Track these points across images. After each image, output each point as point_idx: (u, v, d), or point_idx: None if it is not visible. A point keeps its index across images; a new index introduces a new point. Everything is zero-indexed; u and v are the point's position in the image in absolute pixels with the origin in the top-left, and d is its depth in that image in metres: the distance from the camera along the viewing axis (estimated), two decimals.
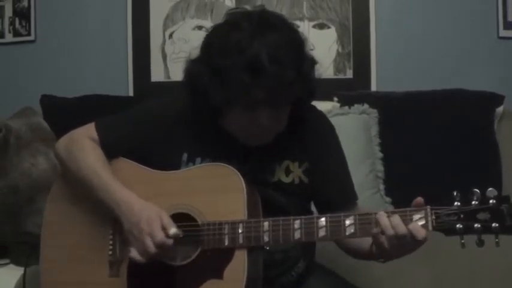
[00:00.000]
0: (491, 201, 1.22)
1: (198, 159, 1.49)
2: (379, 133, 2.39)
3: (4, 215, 2.02)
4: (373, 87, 2.75)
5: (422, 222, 1.26)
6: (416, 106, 2.42)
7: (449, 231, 1.24)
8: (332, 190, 1.55)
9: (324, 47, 2.74)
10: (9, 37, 2.91)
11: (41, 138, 2.16)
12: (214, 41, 1.38)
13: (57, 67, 2.87)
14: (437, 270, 1.92)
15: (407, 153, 2.36)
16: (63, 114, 2.43)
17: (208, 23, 2.78)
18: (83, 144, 1.52)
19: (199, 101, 1.41)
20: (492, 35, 2.71)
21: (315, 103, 1.57)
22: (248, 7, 1.47)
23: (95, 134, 1.53)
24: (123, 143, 1.52)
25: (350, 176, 1.60)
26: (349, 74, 2.77)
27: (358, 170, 2.26)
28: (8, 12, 2.90)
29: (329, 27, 2.77)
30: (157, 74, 2.84)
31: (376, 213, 1.30)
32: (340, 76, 2.77)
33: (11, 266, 1.98)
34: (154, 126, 1.51)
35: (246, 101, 1.33)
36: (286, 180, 1.51)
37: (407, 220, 1.26)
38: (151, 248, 1.34)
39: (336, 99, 2.52)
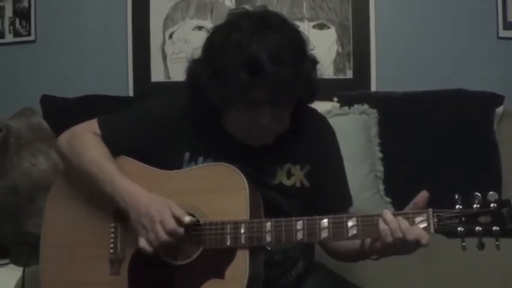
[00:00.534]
0: (492, 204, 1.22)
1: (200, 159, 1.49)
2: (379, 133, 2.40)
3: (4, 215, 2.03)
4: (373, 88, 2.75)
5: (424, 224, 1.26)
6: (416, 106, 2.43)
7: (451, 234, 1.25)
8: (330, 195, 1.55)
9: (323, 47, 2.74)
10: (9, 37, 2.91)
11: (41, 138, 2.17)
12: (215, 41, 1.38)
13: (57, 67, 2.87)
14: (435, 269, 1.93)
15: (407, 153, 2.36)
16: (63, 114, 2.43)
17: (208, 23, 2.78)
18: (86, 138, 1.52)
19: (201, 100, 1.42)
20: (492, 35, 2.71)
21: (315, 104, 1.57)
22: (248, 7, 1.47)
23: (97, 130, 1.54)
24: (125, 141, 1.53)
25: (347, 182, 1.60)
26: (349, 74, 2.77)
27: (358, 170, 2.26)
28: (8, 12, 2.90)
29: (329, 28, 2.77)
30: (157, 74, 2.84)
31: (379, 215, 1.30)
32: (340, 76, 2.77)
33: (11, 266, 1.99)
34: (156, 125, 1.51)
35: (246, 100, 1.33)
36: (288, 183, 1.51)
37: (409, 223, 1.27)
38: (163, 236, 1.34)
39: (335, 99, 2.52)
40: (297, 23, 1.46)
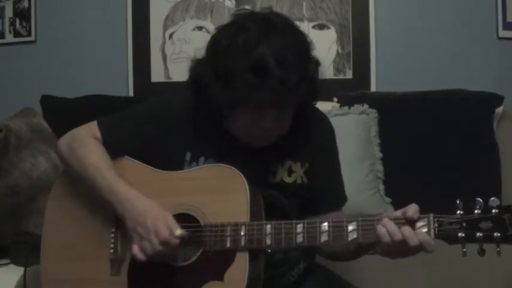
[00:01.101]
0: (493, 210, 1.22)
1: (202, 159, 1.49)
2: (379, 133, 2.40)
3: (4, 215, 2.03)
4: (373, 88, 2.75)
5: (424, 230, 1.26)
6: (416, 106, 2.43)
7: (452, 239, 1.25)
8: (326, 192, 1.56)
9: (323, 48, 2.74)
10: (9, 37, 2.91)
11: (41, 138, 2.17)
12: (220, 42, 1.38)
13: (58, 67, 2.87)
14: (435, 271, 1.93)
15: (407, 153, 2.37)
16: (63, 114, 2.43)
17: (208, 24, 2.78)
18: (86, 142, 1.51)
19: (203, 101, 1.42)
20: (492, 35, 2.71)
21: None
22: (249, 7, 1.47)
23: (97, 133, 1.53)
24: (126, 142, 1.52)
25: (342, 180, 1.61)
26: (349, 74, 2.78)
27: (358, 170, 2.26)
28: (9, 12, 2.90)
29: (329, 28, 2.77)
30: (157, 75, 2.84)
31: (379, 219, 1.30)
32: (340, 76, 2.77)
33: (11, 266, 1.98)
34: (157, 125, 1.51)
35: (251, 102, 1.34)
36: (289, 180, 1.51)
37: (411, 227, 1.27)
38: (156, 245, 1.34)
39: (335, 99, 2.53)
40: (297, 23, 1.46)
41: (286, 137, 1.47)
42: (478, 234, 1.22)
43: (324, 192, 1.55)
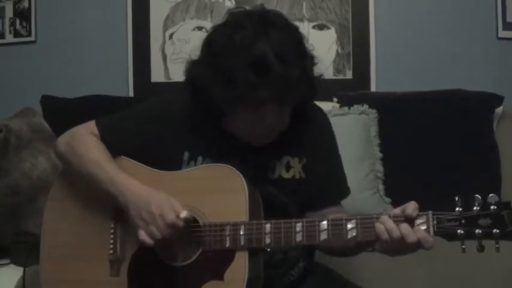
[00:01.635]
0: (492, 207, 1.23)
1: (200, 158, 1.49)
2: (379, 133, 2.40)
3: (4, 215, 2.03)
4: (373, 88, 2.75)
5: (424, 227, 1.26)
6: (416, 106, 2.43)
7: (451, 236, 1.25)
8: (326, 186, 1.55)
9: (323, 48, 2.74)
10: (9, 38, 2.91)
11: (41, 138, 2.17)
12: (217, 41, 1.37)
13: (58, 68, 2.87)
14: (435, 269, 1.93)
15: (407, 153, 2.37)
16: (63, 114, 2.43)
17: (208, 24, 2.78)
18: (85, 138, 1.52)
19: (202, 102, 1.42)
20: (491, 35, 2.72)
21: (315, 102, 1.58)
22: (248, 7, 1.47)
23: (95, 131, 1.53)
24: (124, 141, 1.52)
25: (344, 172, 1.60)
26: (349, 74, 2.78)
27: (358, 170, 2.26)
28: (9, 13, 2.90)
29: (329, 28, 2.78)
30: (157, 75, 2.84)
31: (378, 217, 1.30)
32: (340, 77, 2.77)
33: (11, 266, 1.98)
34: (155, 125, 1.51)
35: (253, 100, 1.33)
36: (287, 176, 1.51)
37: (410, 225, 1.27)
38: (164, 229, 1.34)
39: (335, 99, 2.53)
40: (297, 23, 1.46)
41: (283, 132, 1.46)
42: (477, 231, 1.23)
43: (323, 186, 1.55)
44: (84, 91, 2.62)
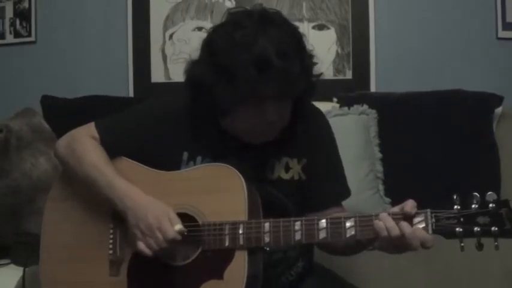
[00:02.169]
0: (490, 205, 1.23)
1: (199, 158, 1.49)
2: (378, 133, 2.40)
3: (5, 215, 2.03)
4: (373, 88, 2.75)
5: (422, 225, 1.27)
6: (416, 107, 2.42)
7: (449, 234, 1.25)
8: (326, 187, 1.55)
9: (323, 48, 2.74)
10: (9, 38, 2.91)
11: (41, 138, 2.17)
12: (217, 40, 1.38)
13: (58, 68, 2.87)
14: (435, 269, 1.93)
15: (407, 153, 2.36)
16: (63, 114, 2.44)
17: (208, 24, 2.78)
18: (85, 142, 1.52)
19: (202, 102, 1.42)
20: (491, 35, 2.71)
21: (314, 104, 1.58)
22: (247, 7, 1.47)
23: (95, 133, 1.53)
24: (124, 142, 1.53)
25: (344, 173, 1.60)
26: (349, 74, 2.78)
27: (358, 170, 2.26)
28: (9, 13, 2.90)
29: (328, 28, 2.78)
30: (157, 75, 2.84)
31: (377, 215, 1.30)
32: (340, 77, 2.77)
33: (11, 266, 1.98)
34: (154, 125, 1.51)
35: (255, 97, 1.34)
36: (286, 176, 1.51)
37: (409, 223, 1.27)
38: (162, 242, 1.35)
39: (335, 99, 2.53)
40: (297, 23, 1.47)
41: (282, 133, 1.47)
42: (475, 228, 1.23)
43: (323, 187, 1.55)
44: (84, 91, 2.62)
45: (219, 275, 1.36)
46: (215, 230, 1.38)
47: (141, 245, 1.37)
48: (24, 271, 1.70)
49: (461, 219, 1.24)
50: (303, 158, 1.53)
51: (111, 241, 1.48)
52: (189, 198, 1.42)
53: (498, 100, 2.40)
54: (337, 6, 2.76)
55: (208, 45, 1.40)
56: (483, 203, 1.24)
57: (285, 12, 2.67)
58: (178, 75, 2.74)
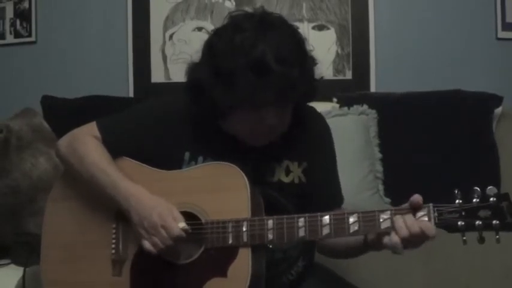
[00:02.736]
0: (491, 199, 1.24)
1: (200, 158, 1.49)
2: (378, 134, 2.40)
3: (5, 215, 2.03)
4: (372, 88, 2.76)
5: (425, 219, 1.27)
6: (415, 107, 2.43)
7: (452, 228, 1.26)
8: (323, 192, 1.56)
9: (323, 48, 2.75)
10: (10, 38, 2.91)
11: (42, 138, 2.17)
12: (217, 43, 1.38)
13: (58, 68, 2.88)
14: (434, 268, 1.93)
15: (407, 153, 2.37)
16: (63, 115, 2.44)
17: (208, 25, 2.78)
18: (86, 141, 1.52)
19: (202, 103, 1.41)
20: (490, 36, 2.72)
21: (314, 104, 1.58)
22: (248, 8, 1.48)
23: (97, 133, 1.53)
24: (125, 142, 1.52)
25: (339, 180, 1.61)
26: (349, 75, 2.78)
27: (357, 170, 2.27)
28: (9, 13, 2.91)
29: (328, 29, 2.78)
30: (157, 75, 2.85)
31: (380, 211, 1.30)
32: (340, 77, 2.78)
33: (11, 266, 1.98)
34: (156, 125, 1.51)
35: (254, 101, 1.33)
36: (286, 180, 1.51)
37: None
38: (167, 241, 1.35)
39: (335, 100, 2.53)
40: (297, 24, 1.47)
41: (283, 137, 1.47)
42: (477, 222, 1.24)
43: (324, 191, 1.55)
44: (84, 91, 2.63)
45: (223, 273, 1.35)
46: (218, 228, 1.38)
47: (147, 244, 1.38)
48: (24, 271, 1.70)
49: (463, 213, 1.25)
50: (303, 162, 1.53)
51: (113, 241, 1.47)
52: (191, 197, 1.42)
53: (498, 100, 2.41)
54: (337, 6, 2.77)
55: (209, 47, 1.40)
56: (484, 197, 1.25)
57: (285, 12, 2.68)
58: (178, 75, 2.75)
